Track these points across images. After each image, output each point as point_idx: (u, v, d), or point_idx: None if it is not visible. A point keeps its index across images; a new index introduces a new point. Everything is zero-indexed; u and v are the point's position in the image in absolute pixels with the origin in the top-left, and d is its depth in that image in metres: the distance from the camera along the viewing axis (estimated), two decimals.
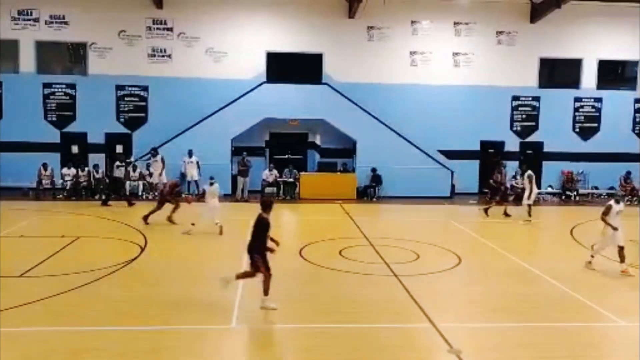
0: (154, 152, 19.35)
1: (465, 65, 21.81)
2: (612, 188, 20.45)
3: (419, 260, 11.84)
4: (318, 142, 22.11)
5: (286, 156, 21.56)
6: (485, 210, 17.47)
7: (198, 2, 20.84)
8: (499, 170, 18.04)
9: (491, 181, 18.25)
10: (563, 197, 21.40)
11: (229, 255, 12.09)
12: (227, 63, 21.02)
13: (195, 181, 19.74)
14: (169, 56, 20.94)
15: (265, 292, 8.50)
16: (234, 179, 19.97)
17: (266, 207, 8.73)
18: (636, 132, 22.57)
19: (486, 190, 21.31)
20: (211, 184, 14.29)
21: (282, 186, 20.13)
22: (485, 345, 7.65)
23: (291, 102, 20.16)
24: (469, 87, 21.64)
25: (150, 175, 19.65)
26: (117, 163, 18.72)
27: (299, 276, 10.83)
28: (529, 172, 16.96)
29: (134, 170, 19.64)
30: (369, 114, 20.54)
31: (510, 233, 15.68)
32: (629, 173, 20.97)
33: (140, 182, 19.62)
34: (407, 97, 21.37)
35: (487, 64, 21.74)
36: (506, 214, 17.26)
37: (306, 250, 12.42)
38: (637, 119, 22.56)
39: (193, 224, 13.78)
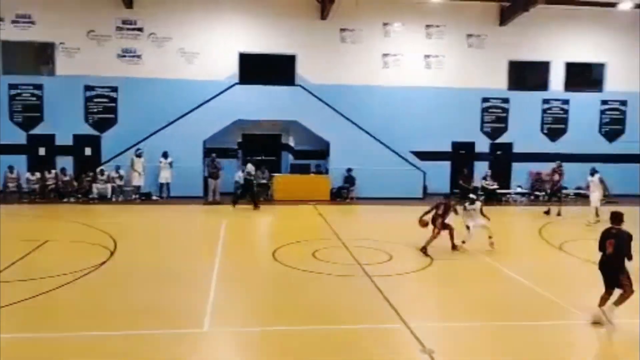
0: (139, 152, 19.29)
1: (436, 68, 22.05)
2: (579, 188, 20.89)
3: (392, 261, 11.90)
4: (291, 143, 22.07)
5: (259, 158, 21.46)
6: (547, 212, 18.24)
7: (169, 2, 20.61)
8: (559, 172, 18.77)
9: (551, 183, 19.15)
10: (532, 197, 21.79)
11: (200, 258, 11.99)
12: (199, 64, 20.84)
13: (167, 184, 19.54)
14: (139, 57, 20.66)
15: (619, 303, 8.13)
16: (205, 181, 19.79)
17: (621, 219, 8.31)
18: (602, 133, 23.14)
19: (457, 191, 21.61)
20: (472, 202, 12.95)
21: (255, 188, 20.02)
22: (457, 345, 7.73)
23: (264, 103, 20.06)
24: (440, 88, 21.87)
25: (121, 178, 19.39)
26: (248, 166, 18.81)
27: (272, 278, 10.80)
28: (599, 175, 16.90)
29: (102, 174, 19.32)
30: (342, 115, 20.59)
31: (481, 233, 15.88)
32: (594, 169, 21.40)
33: (109, 185, 19.30)
34: (380, 99, 21.50)
35: (458, 66, 22.01)
36: (550, 213, 18.07)
37: (280, 252, 12.37)
38: (603, 120, 23.13)
39: (464, 242, 12.67)
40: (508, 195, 21.88)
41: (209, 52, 20.88)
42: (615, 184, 17.50)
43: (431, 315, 9.03)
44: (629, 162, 22.30)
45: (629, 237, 8.13)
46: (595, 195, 16.66)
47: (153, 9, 20.52)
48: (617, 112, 23.11)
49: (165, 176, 19.44)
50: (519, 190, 22.19)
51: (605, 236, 8.24)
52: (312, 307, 8.99)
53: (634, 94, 22.75)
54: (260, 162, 21.05)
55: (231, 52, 21.02)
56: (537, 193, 21.72)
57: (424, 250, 12.33)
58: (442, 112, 21.78)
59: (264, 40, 21.14)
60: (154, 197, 19.61)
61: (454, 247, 12.70)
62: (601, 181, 16.72)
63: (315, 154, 21.44)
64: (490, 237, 12.74)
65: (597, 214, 16.52)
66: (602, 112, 23.10)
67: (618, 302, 8.13)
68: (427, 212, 12.53)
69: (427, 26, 21.90)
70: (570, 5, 21.52)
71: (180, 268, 11.08)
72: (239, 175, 20.30)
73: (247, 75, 20.96)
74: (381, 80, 21.67)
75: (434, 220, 12.48)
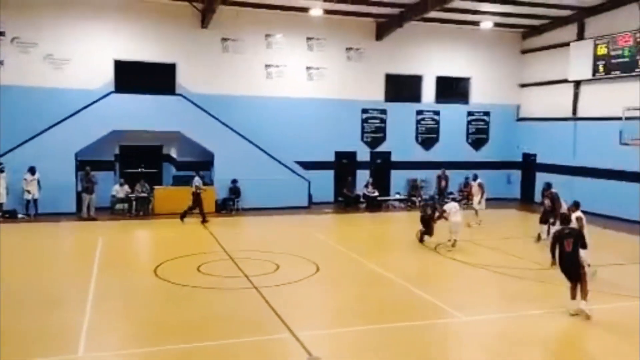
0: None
1: (318, 79, 22.54)
2: (451, 193, 22.33)
3: (278, 271, 11.91)
4: (173, 154, 21.38)
5: (139, 170, 20.51)
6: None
7: (35, 4, 19.11)
8: (445, 177, 21.30)
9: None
10: (409, 203, 22.94)
11: (74, 279, 11.20)
12: (70, 71, 19.52)
13: (35, 200, 18.05)
14: (1, 63, 18.93)
15: (585, 296, 9.04)
16: (78, 196, 18.54)
17: (569, 220, 9.85)
18: (469, 142, 24.99)
19: (341, 199, 22.22)
20: (453, 199, 15.40)
21: (134, 202, 19.12)
22: (344, 350, 7.89)
23: (143, 113, 19.21)
24: (322, 100, 22.37)
25: None
26: (196, 179, 18.00)
27: (153, 296, 10.35)
28: (480, 180, 18.61)
29: None
30: (226, 125, 20.32)
31: (365, 239, 16.47)
32: (467, 178, 23.07)
33: None
34: (264, 109, 21.52)
35: (339, 78, 22.67)
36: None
37: (162, 269, 11.89)
38: (470, 130, 25.02)
39: (450, 241, 14.15)
40: (388, 202, 22.87)
41: (80, 59, 19.63)
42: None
43: (318, 322, 9.14)
44: (492, 169, 24.24)
45: (581, 232, 9.75)
46: (476, 199, 18.35)
47: (17, 11, 18.86)
48: (482, 123, 25.12)
49: (31, 192, 17.95)
50: (397, 196, 23.28)
51: (562, 237, 9.29)
52: (196, 323, 8.72)
53: (495, 106, 24.92)
54: (139, 174, 20.13)
55: (106, 60, 19.94)
56: (413, 199, 22.91)
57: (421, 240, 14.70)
58: (325, 123, 22.30)
59: (142, 48, 20.31)
60: (20, 216, 18.00)
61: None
62: (480, 186, 18.41)
63: (199, 165, 20.91)
64: (449, 240, 14.25)
65: (476, 216, 17.95)
66: (469, 122, 24.98)
67: (585, 296, 9.10)
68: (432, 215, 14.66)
69: (309, 38, 22.34)
70: (440, 23, 23.07)
71: (51, 290, 10.26)
72: (117, 189, 19.29)
73: (123, 84, 19.99)
74: (265, 91, 21.72)
75: (429, 220, 14.63)
